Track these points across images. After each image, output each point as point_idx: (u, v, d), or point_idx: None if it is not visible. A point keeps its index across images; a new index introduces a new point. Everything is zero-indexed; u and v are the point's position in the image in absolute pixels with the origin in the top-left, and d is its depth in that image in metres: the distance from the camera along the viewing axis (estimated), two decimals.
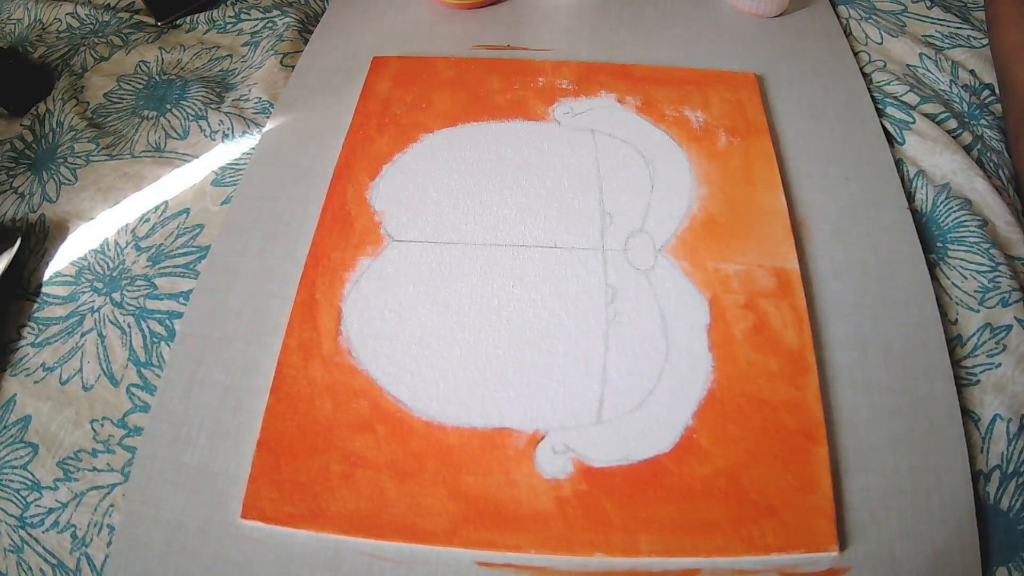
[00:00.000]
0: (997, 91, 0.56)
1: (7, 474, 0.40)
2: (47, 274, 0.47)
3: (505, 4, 0.64)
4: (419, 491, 0.37)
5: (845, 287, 0.44)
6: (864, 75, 0.57)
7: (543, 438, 0.39)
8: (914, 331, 0.42)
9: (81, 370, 0.43)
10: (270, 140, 0.53)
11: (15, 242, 0.47)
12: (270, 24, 0.63)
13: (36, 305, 0.46)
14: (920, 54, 0.58)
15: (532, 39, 0.60)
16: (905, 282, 0.44)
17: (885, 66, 0.58)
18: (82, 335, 0.44)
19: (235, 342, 0.43)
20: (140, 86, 0.59)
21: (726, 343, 0.42)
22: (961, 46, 0.58)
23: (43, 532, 0.38)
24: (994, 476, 0.38)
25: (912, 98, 0.55)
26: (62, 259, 0.48)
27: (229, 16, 0.65)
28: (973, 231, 0.46)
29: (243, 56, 0.61)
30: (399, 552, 0.36)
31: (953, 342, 0.42)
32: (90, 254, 0.48)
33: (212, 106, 0.56)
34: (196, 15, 0.65)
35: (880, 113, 0.54)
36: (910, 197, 0.49)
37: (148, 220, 0.49)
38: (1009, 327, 0.42)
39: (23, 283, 0.47)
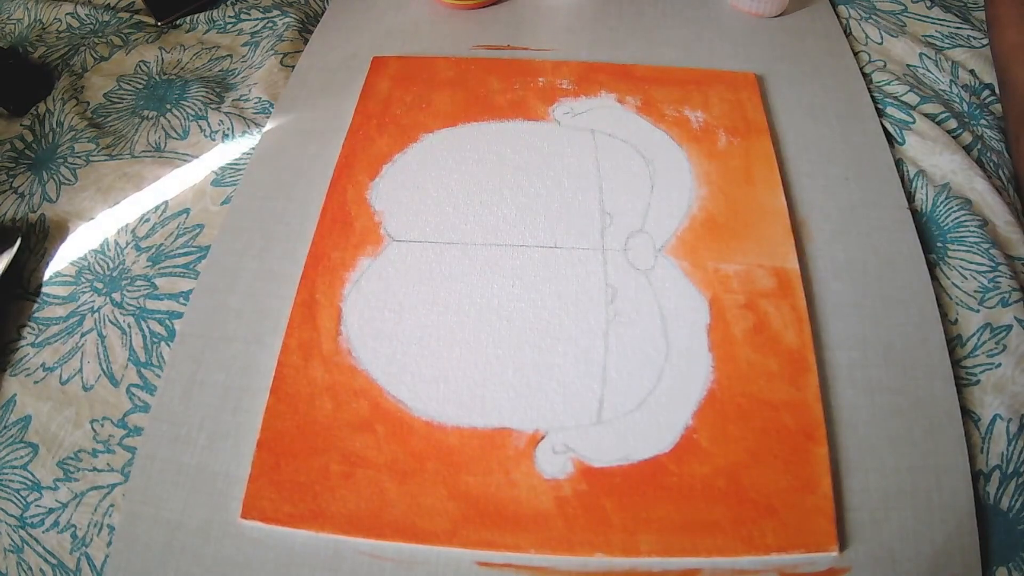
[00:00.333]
0: (997, 91, 0.56)
1: (7, 474, 0.40)
2: (47, 274, 0.47)
3: (505, 4, 0.64)
4: (419, 491, 0.37)
5: (845, 287, 0.44)
6: (864, 75, 0.57)
7: (543, 438, 0.39)
8: (914, 331, 0.42)
9: (81, 370, 0.43)
10: (270, 140, 0.53)
11: (15, 242, 0.47)
12: (270, 24, 0.63)
13: (36, 305, 0.46)
14: (920, 54, 0.58)
15: (532, 39, 0.60)
16: (905, 282, 0.44)
17: (885, 66, 0.58)
18: (82, 335, 0.44)
19: (235, 342, 0.43)
20: (140, 86, 0.59)
21: (726, 343, 0.42)
22: (961, 46, 0.58)
23: (43, 532, 0.38)
24: (994, 476, 0.38)
25: (912, 98, 0.55)
26: (62, 259, 0.48)
27: (229, 16, 0.65)
28: (973, 231, 0.46)
29: (243, 56, 0.61)
30: (399, 552, 0.36)
31: (953, 342, 0.42)
32: (90, 254, 0.48)
33: (212, 106, 0.56)
34: (196, 15, 0.65)
35: (880, 113, 0.54)
36: (910, 197, 0.49)
37: (148, 220, 0.49)
38: (1009, 327, 0.42)
39: (23, 283, 0.47)
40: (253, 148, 0.53)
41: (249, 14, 0.65)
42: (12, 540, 0.38)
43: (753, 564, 0.35)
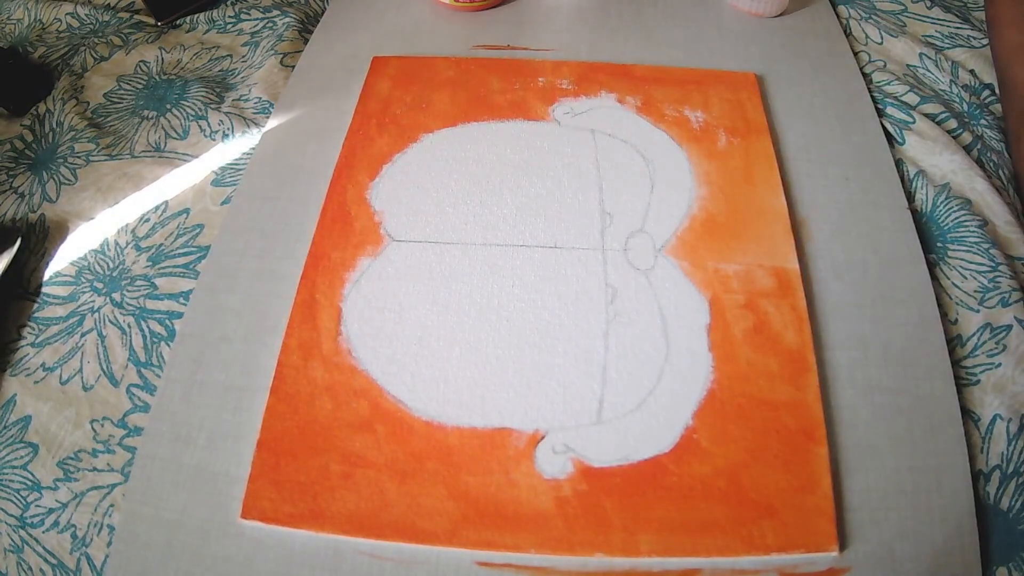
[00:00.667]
0: (997, 91, 0.56)
1: (7, 474, 0.40)
2: (47, 274, 0.47)
3: (505, 4, 0.64)
4: (419, 491, 0.37)
5: (845, 287, 0.44)
6: (864, 75, 0.57)
7: (543, 438, 0.39)
8: (914, 331, 0.42)
9: (81, 370, 0.43)
10: (270, 140, 0.53)
11: (15, 242, 0.47)
12: (270, 24, 0.63)
13: (36, 305, 0.46)
14: (920, 54, 0.58)
15: (532, 39, 0.60)
16: (905, 282, 0.44)
17: (885, 66, 0.58)
18: (82, 335, 0.44)
19: (235, 342, 0.43)
20: (140, 86, 0.59)
21: (726, 343, 0.42)
22: (961, 46, 0.58)
23: (43, 532, 0.38)
24: (994, 476, 0.38)
25: (912, 98, 0.55)
26: (62, 259, 0.48)
27: (229, 16, 0.65)
28: (973, 231, 0.46)
29: (243, 56, 0.61)
30: (399, 552, 0.36)
31: (953, 342, 0.42)
32: (90, 254, 0.48)
33: (212, 106, 0.56)
34: (196, 15, 0.65)
35: (880, 113, 0.54)
36: (910, 197, 0.49)
37: (148, 220, 0.49)
38: (1009, 327, 0.42)
39: (23, 283, 0.47)
40: (253, 148, 0.53)
41: (249, 14, 0.65)
42: (12, 540, 0.38)
43: (753, 564, 0.35)
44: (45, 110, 0.58)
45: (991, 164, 0.51)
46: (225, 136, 0.54)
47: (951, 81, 0.56)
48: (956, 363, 0.41)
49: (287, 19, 0.63)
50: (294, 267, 0.45)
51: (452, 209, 0.48)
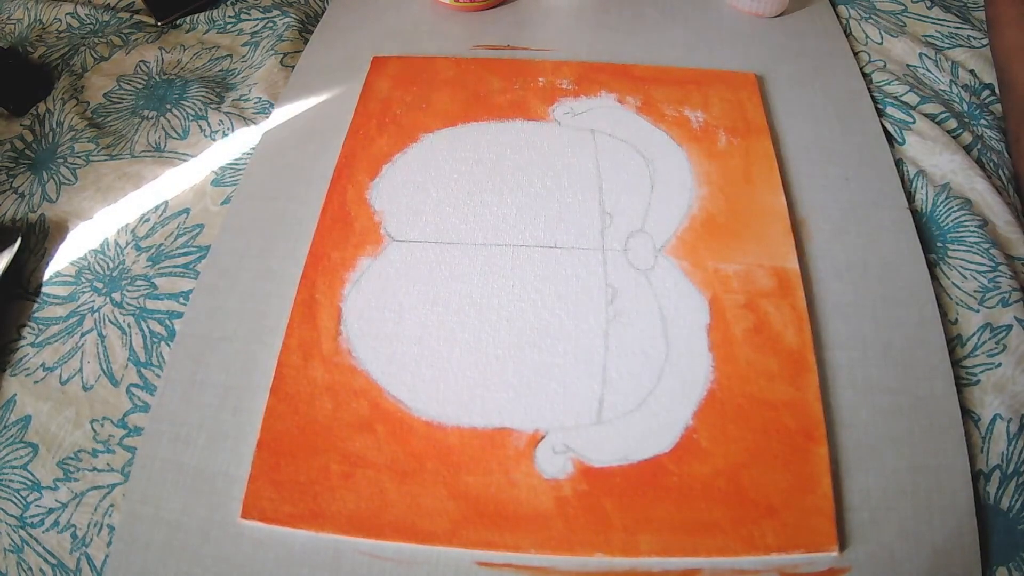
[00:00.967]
0: (997, 91, 0.56)
1: (7, 474, 0.40)
2: (47, 274, 0.47)
3: (505, 4, 0.64)
4: (419, 491, 0.37)
5: (845, 287, 0.44)
6: (864, 75, 0.57)
7: (543, 438, 0.39)
8: (914, 331, 0.42)
9: (81, 370, 0.43)
10: (270, 140, 0.53)
11: (15, 242, 0.47)
12: (270, 24, 0.63)
13: (36, 305, 0.46)
14: (920, 54, 0.58)
15: (532, 39, 0.60)
16: (905, 282, 0.44)
17: (885, 66, 0.58)
18: (82, 335, 0.44)
19: (235, 342, 0.43)
20: (140, 86, 0.59)
21: (726, 343, 0.42)
22: (961, 46, 0.58)
23: (43, 532, 0.38)
24: (994, 476, 0.38)
25: (912, 98, 0.55)
26: (62, 259, 0.48)
27: (229, 16, 0.65)
28: (973, 231, 0.46)
29: (243, 56, 0.61)
30: (399, 552, 0.36)
31: (953, 342, 0.42)
32: (90, 254, 0.48)
33: (212, 106, 0.56)
34: (196, 15, 0.65)
35: (880, 113, 0.54)
36: (910, 197, 0.49)
37: (148, 220, 0.49)
38: (1009, 327, 0.42)
39: (23, 283, 0.47)
40: (253, 148, 0.53)
41: (249, 14, 0.65)
42: (12, 540, 0.38)
43: (753, 564, 0.35)
44: (45, 110, 0.58)
45: (991, 164, 0.51)
46: (225, 136, 0.54)
47: (951, 81, 0.56)
48: (956, 363, 0.41)
49: (287, 19, 0.63)
50: (294, 267, 0.45)
51: (452, 209, 0.48)
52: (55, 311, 0.46)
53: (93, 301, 0.46)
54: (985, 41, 0.58)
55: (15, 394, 0.42)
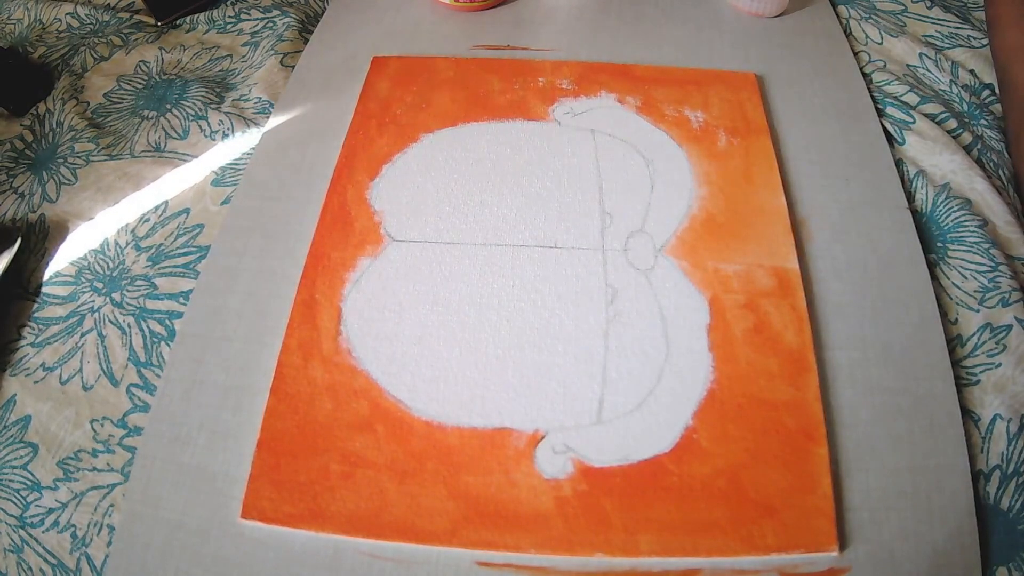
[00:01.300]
0: (997, 91, 0.56)
1: (7, 474, 0.40)
2: (47, 274, 0.47)
3: (505, 4, 0.64)
4: (419, 491, 0.37)
5: (845, 287, 0.44)
6: (864, 75, 0.57)
7: (543, 438, 0.39)
8: (914, 331, 0.42)
9: (81, 370, 0.43)
10: (270, 140, 0.53)
11: (15, 242, 0.47)
12: (270, 24, 0.63)
13: (36, 305, 0.46)
14: (920, 54, 0.58)
15: (532, 39, 0.60)
16: (905, 282, 0.44)
17: (885, 66, 0.58)
18: (82, 335, 0.44)
19: (235, 342, 0.43)
20: (140, 86, 0.59)
21: (726, 343, 0.42)
22: (961, 46, 0.58)
23: (43, 532, 0.38)
24: (994, 476, 0.38)
25: (912, 98, 0.55)
26: (62, 259, 0.48)
27: (229, 16, 0.65)
28: (973, 231, 0.46)
29: (243, 56, 0.61)
30: (399, 552, 0.36)
31: (953, 342, 0.42)
32: (90, 254, 0.48)
33: (212, 106, 0.56)
34: (196, 15, 0.65)
35: (880, 113, 0.54)
36: (910, 197, 0.49)
37: (148, 220, 0.49)
38: (1009, 327, 0.42)
39: (23, 283, 0.47)
40: (253, 148, 0.53)
41: (249, 14, 0.65)
42: (12, 540, 0.38)
43: (753, 564, 0.35)
44: (45, 110, 0.58)
45: (991, 164, 0.51)
46: (225, 136, 0.54)
47: (951, 81, 0.56)
48: (956, 363, 0.41)
49: (287, 19, 0.63)
50: (294, 267, 0.45)
51: (452, 209, 0.48)
52: (55, 311, 0.46)
53: (93, 301, 0.46)
54: (985, 41, 0.58)
55: (15, 394, 0.42)
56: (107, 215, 0.50)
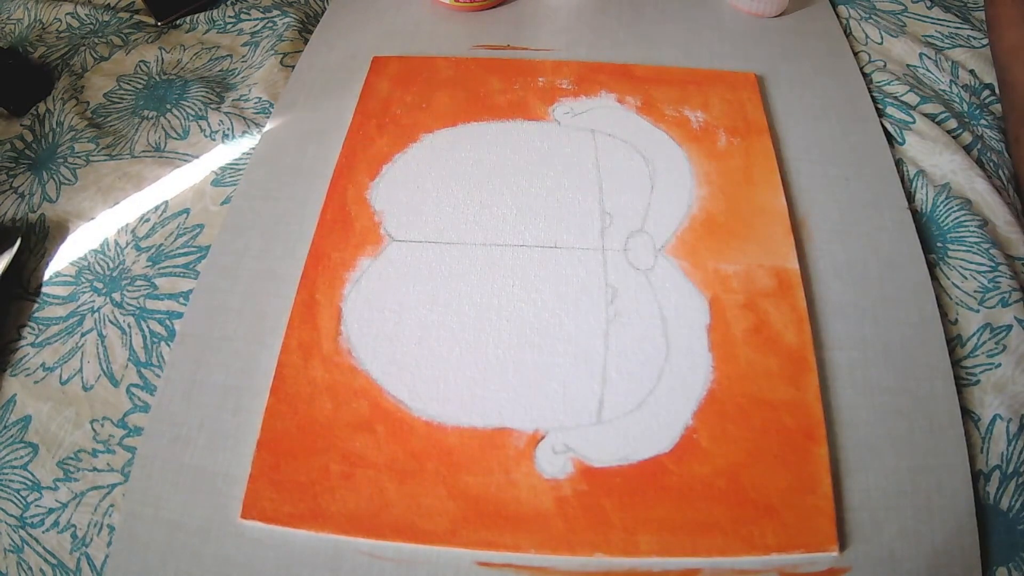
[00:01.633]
0: (997, 91, 0.56)
1: (7, 474, 0.40)
2: (47, 274, 0.47)
3: (505, 4, 0.64)
4: (419, 491, 0.37)
5: (845, 287, 0.44)
6: (864, 75, 0.57)
7: (543, 438, 0.39)
8: (914, 331, 0.42)
9: (81, 370, 0.43)
10: (270, 140, 0.53)
11: (15, 242, 0.47)
12: (270, 24, 0.63)
13: (36, 305, 0.46)
14: (920, 54, 0.58)
15: (532, 39, 0.60)
16: (905, 282, 0.44)
17: (885, 66, 0.58)
18: (82, 335, 0.44)
19: (235, 342, 0.43)
20: (140, 86, 0.59)
21: (726, 343, 0.42)
22: (961, 46, 0.58)
23: (43, 532, 0.38)
24: (994, 476, 0.38)
25: (912, 98, 0.55)
26: (62, 259, 0.48)
27: (229, 16, 0.65)
28: (973, 231, 0.46)
29: (243, 56, 0.61)
30: (399, 552, 0.36)
31: (953, 342, 0.42)
32: (90, 254, 0.48)
33: (212, 106, 0.56)
34: (196, 15, 0.65)
35: (880, 113, 0.54)
36: (910, 197, 0.49)
37: (148, 220, 0.49)
38: (1009, 327, 0.42)
39: (23, 283, 0.47)
40: (253, 148, 0.53)
41: (249, 14, 0.65)
42: (12, 540, 0.38)
43: (753, 564, 0.35)
44: (45, 110, 0.58)
45: (991, 164, 0.51)
46: (225, 136, 0.54)
47: (951, 81, 0.56)
48: (956, 363, 0.41)
49: (287, 19, 0.63)
50: (294, 267, 0.45)
51: (452, 209, 0.48)
52: (55, 311, 0.46)
53: (93, 301, 0.46)
54: (985, 41, 0.58)
55: (15, 394, 0.42)
56: (107, 215, 0.50)
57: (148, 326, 0.44)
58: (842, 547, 0.36)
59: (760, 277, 0.44)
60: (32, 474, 0.40)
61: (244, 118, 0.55)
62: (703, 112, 0.53)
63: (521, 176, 0.49)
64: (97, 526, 0.38)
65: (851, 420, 0.39)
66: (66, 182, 0.52)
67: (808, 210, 0.48)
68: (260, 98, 0.56)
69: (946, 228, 0.47)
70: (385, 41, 0.60)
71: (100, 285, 0.46)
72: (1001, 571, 0.36)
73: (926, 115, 0.53)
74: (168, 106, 0.57)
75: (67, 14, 0.66)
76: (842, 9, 0.63)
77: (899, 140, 0.52)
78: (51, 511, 0.38)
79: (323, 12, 0.65)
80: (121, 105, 0.58)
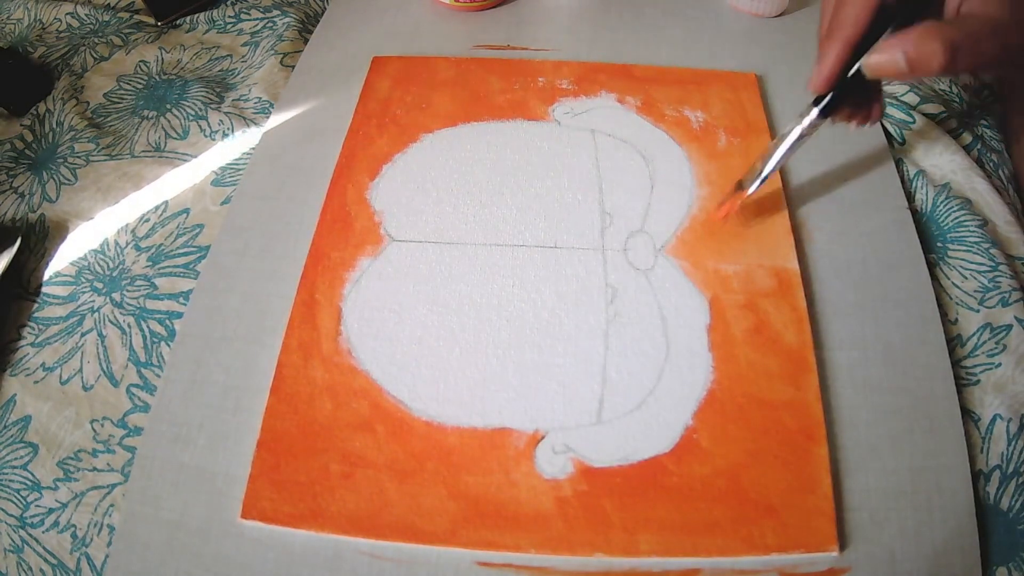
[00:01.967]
0: (997, 91, 0.55)
1: (7, 474, 0.40)
2: (47, 274, 0.47)
3: (505, 4, 0.64)
4: (419, 491, 0.37)
5: (845, 287, 0.44)
6: None
7: (543, 438, 0.39)
8: (914, 331, 0.42)
9: (81, 370, 0.43)
10: (270, 140, 0.53)
11: (15, 242, 0.47)
12: (270, 24, 0.63)
13: (36, 305, 0.46)
14: None
15: (532, 39, 0.60)
16: (905, 282, 0.44)
17: None
18: (82, 335, 0.44)
19: (235, 342, 0.43)
20: (140, 86, 0.59)
21: (726, 343, 0.42)
22: None
23: (43, 532, 0.38)
24: (994, 476, 0.38)
25: (912, 98, 0.55)
26: (62, 259, 0.48)
27: (229, 16, 0.65)
28: (973, 231, 0.46)
29: (243, 56, 0.61)
30: (399, 552, 0.36)
31: (953, 342, 0.42)
32: (90, 254, 0.48)
33: (212, 106, 0.56)
34: (196, 15, 0.65)
35: None
36: (910, 197, 0.49)
37: (148, 220, 0.49)
38: (1009, 327, 0.42)
39: (23, 283, 0.47)
40: (253, 148, 0.53)
41: (249, 14, 0.65)
42: (12, 540, 0.38)
43: (753, 564, 0.35)
44: (45, 110, 0.58)
45: (991, 164, 0.51)
46: (225, 136, 0.54)
47: (951, 81, 0.56)
48: (956, 363, 0.41)
49: (287, 19, 0.63)
50: (294, 267, 0.45)
51: (452, 209, 0.48)
52: (55, 311, 0.46)
53: (93, 301, 0.46)
54: None
55: (15, 394, 0.42)
56: (107, 215, 0.50)
57: (148, 326, 0.44)
58: (842, 547, 0.36)
59: (760, 277, 0.44)
60: (32, 474, 0.40)
61: (244, 118, 0.55)
62: (703, 112, 0.53)
63: (521, 176, 0.49)
64: (97, 526, 0.38)
65: (851, 420, 0.39)
66: (66, 182, 0.52)
67: (808, 210, 0.48)
68: (260, 98, 0.56)
69: (946, 228, 0.47)
70: (385, 41, 0.60)
71: (100, 285, 0.47)
72: (1001, 571, 0.36)
73: (926, 115, 0.53)
74: (168, 106, 0.57)
75: (67, 14, 0.66)
76: None
77: (899, 140, 0.52)
78: (51, 511, 0.38)
79: (323, 12, 0.65)
80: (121, 105, 0.58)
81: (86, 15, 0.66)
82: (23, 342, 0.45)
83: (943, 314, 0.43)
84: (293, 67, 0.59)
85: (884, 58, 0.32)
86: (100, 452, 0.40)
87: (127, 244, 0.48)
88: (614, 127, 0.52)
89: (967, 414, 0.40)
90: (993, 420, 0.39)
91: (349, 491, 0.37)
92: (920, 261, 0.45)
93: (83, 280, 0.47)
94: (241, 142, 0.54)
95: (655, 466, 0.37)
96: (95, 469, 0.40)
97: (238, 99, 0.57)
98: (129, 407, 0.41)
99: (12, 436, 0.41)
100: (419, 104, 0.54)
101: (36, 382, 0.43)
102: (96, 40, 0.64)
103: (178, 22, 0.65)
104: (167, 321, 0.44)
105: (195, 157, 0.53)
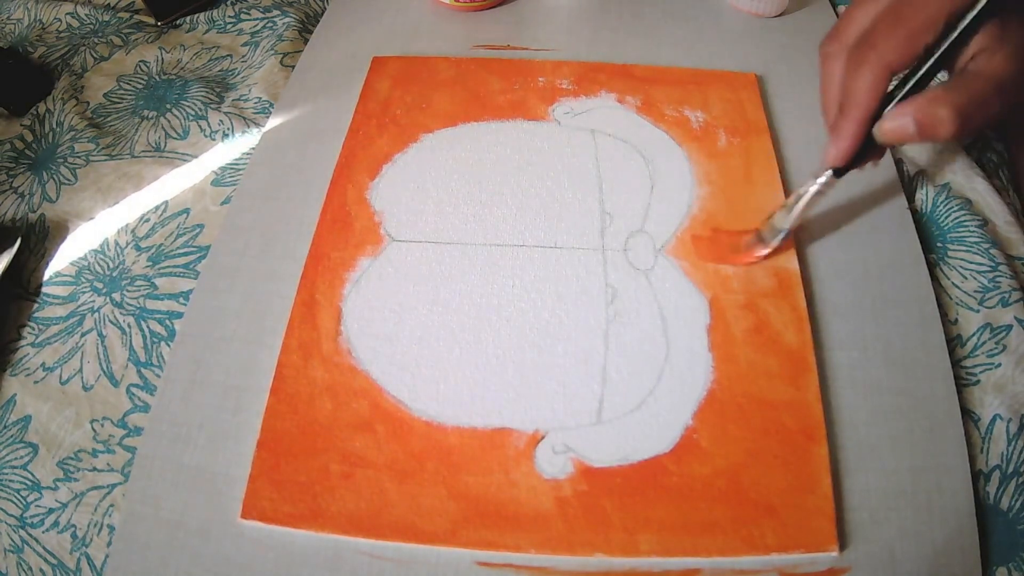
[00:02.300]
0: None
1: (7, 474, 0.40)
2: (47, 274, 0.47)
3: (505, 4, 0.64)
4: (419, 491, 0.37)
5: (845, 287, 0.44)
6: None
7: (543, 438, 0.39)
8: (914, 331, 0.42)
9: (81, 370, 0.43)
10: (270, 140, 0.53)
11: (15, 242, 0.47)
12: (270, 24, 0.63)
13: (36, 305, 0.46)
14: None
15: (532, 39, 0.60)
16: (905, 282, 0.44)
17: None
18: (82, 335, 0.44)
19: (235, 342, 0.43)
20: (140, 86, 0.59)
21: (726, 343, 0.42)
22: None
23: (43, 532, 0.38)
24: (994, 476, 0.38)
25: None
26: (62, 259, 0.48)
27: (229, 16, 0.65)
28: (973, 231, 0.46)
29: (243, 56, 0.61)
30: (399, 552, 0.36)
31: (953, 342, 0.42)
32: (90, 254, 0.48)
33: (212, 106, 0.56)
34: (196, 15, 0.65)
35: None
36: (910, 197, 0.49)
37: (148, 220, 0.49)
38: (1009, 327, 0.42)
39: (23, 283, 0.47)
40: (253, 148, 0.53)
41: (249, 14, 0.65)
42: (12, 540, 0.38)
43: (753, 564, 0.35)
44: (45, 110, 0.58)
45: (991, 164, 0.51)
46: (225, 136, 0.54)
47: None
48: (956, 363, 0.41)
49: (287, 19, 0.63)
50: (294, 267, 0.45)
51: (452, 209, 0.48)
52: (55, 311, 0.46)
53: (93, 301, 0.46)
54: None
55: (15, 394, 0.42)
56: (107, 215, 0.50)
57: (148, 326, 0.44)
58: (842, 547, 0.36)
59: (760, 277, 0.44)
60: (32, 474, 0.40)
61: (244, 118, 0.55)
62: (703, 112, 0.53)
63: (521, 176, 0.49)
64: (97, 526, 0.38)
65: (851, 420, 0.39)
66: (66, 182, 0.52)
67: (808, 210, 0.48)
68: (260, 98, 0.56)
69: (946, 228, 0.47)
70: (385, 41, 0.60)
71: (100, 285, 0.47)
72: (1001, 571, 0.36)
73: None
74: (168, 106, 0.57)
75: (67, 14, 0.66)
76: (842, 9, 0.63)
77: None
78: (51, 511, 0.38)
79: (323, 12, 0.65)
80: (121, 105, 0.58)
81: (86, 15, 0.66)
82: (23, 342, 0.45)
83: (943, 314, 0.43)
84: (293, 67, 0.59)
85: (895, 125, 0.33)
86: (100, 452, 0.40)
87: (127, 244, 0.48)
88: (614, 127, 0.52)
89: (967, 414, 0.40)
90: (993, 420, 0.39)
91: (349, 491, 0.37)
92: (920, 261, 0.45)
93: (83, 280, 0.47)
94: (241, 142, 0.54)
95: (655, 466, 0.37)
96: (95, 469, 0.40)
97: (238, 99, 0.57)
98: (129, 407, 0.41)
99: (12, 436, 0.41)
100: (419, 104, 0.54)
101: (36, 382, 0.43)
102: (96, 40, 0.64)
103: (178, 22, 0.65)
104: (167, 321, 0.44)
105: (195, 157, 0.53)
